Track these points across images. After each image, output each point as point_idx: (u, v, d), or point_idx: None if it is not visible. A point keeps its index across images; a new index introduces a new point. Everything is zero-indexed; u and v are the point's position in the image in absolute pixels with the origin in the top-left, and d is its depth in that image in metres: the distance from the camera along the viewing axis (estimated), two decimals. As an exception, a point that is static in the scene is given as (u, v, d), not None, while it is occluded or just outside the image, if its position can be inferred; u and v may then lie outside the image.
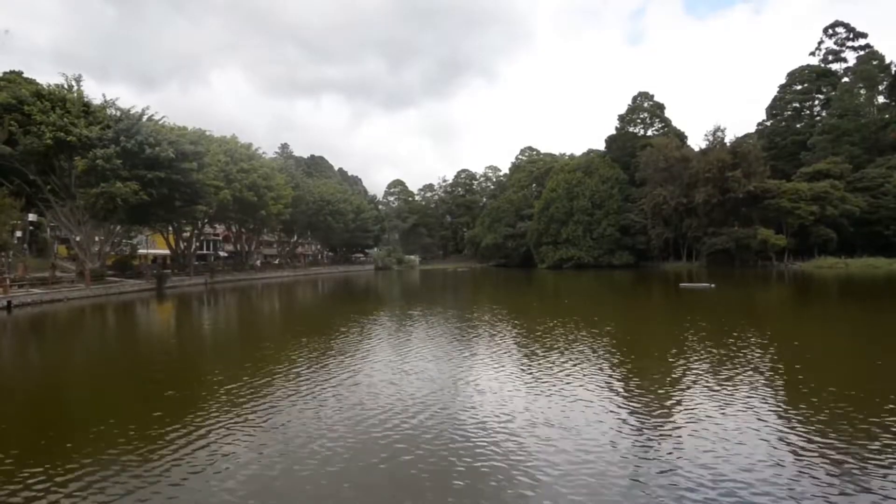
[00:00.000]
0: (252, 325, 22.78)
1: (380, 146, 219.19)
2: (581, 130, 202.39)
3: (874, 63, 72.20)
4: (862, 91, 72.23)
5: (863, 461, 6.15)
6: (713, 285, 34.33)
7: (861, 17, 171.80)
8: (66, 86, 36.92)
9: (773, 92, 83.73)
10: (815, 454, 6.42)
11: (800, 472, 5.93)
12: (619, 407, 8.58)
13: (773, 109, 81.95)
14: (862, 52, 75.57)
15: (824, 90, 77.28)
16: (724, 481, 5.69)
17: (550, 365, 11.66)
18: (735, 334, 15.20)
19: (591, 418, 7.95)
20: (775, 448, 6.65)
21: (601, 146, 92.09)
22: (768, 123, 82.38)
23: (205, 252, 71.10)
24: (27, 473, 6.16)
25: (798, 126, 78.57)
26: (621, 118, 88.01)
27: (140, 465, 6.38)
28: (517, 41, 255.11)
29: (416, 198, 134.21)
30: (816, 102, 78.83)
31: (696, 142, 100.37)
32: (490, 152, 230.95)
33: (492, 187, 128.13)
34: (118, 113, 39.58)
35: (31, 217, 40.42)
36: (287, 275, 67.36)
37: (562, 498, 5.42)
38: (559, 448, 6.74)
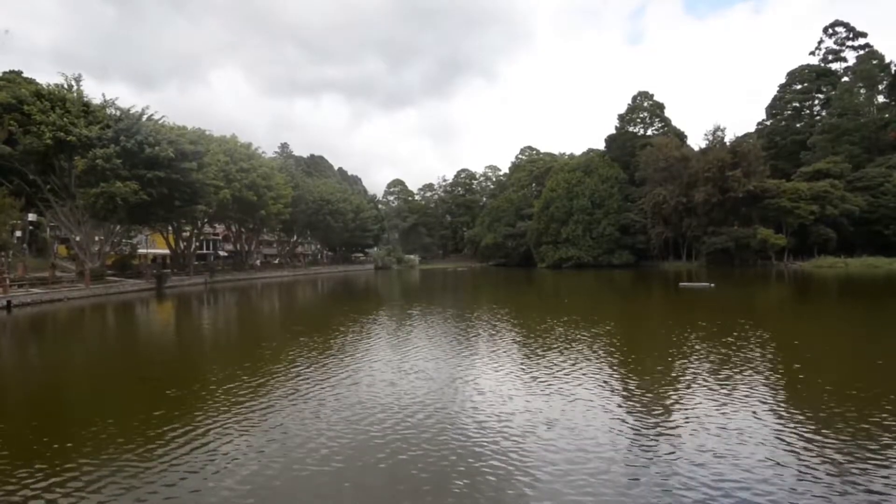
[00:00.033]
0: (251, 324, 22.78)
1: (380, 146, 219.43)
2: (581, 130, 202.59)
3: (874, 62, 72.23)
4: (862, 90, 72.26)
5: (863, 461, 6.15)
6: (713, 285, 34.34)
7: (861, 16, 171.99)
8: (65, 85, 36.92)
9: (772, 91, 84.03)
10: (816, 454, 6.42)
11: (800, 472, 5.93)
12: (619, 406, 8.58)
13: (773, 109, 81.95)
14: (862, 52, 75.59)
15: (824, 90, 77.29)
16: (724, 481, 5.69)
17: (550, 364, 11.66)
18: (734, 334, 15.20)
19: (591, 418, 7.95)
20: (775, 448, 6.65)
21: (601, 146, 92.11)
22: (768, 123, 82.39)
23: (204, 252, 71.14)
24: (26, 473, 6.15)
25: (798, 125, 78.58)
26: (621, 118, 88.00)
27: (139, 464, 6.38)
28: (517, 41, 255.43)
29: (416, 197, 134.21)
30: (816, 102, 78.87)
31: (696, 141, 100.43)
32: (490, 152, 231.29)
33: (492, 187, 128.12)
34: (118, 112, 39.59)
35: (31, 217, 40.40)
36: (287, 274, 67.35)
37: (561, 497, 5.42)
38: (559, 447, 6.74)
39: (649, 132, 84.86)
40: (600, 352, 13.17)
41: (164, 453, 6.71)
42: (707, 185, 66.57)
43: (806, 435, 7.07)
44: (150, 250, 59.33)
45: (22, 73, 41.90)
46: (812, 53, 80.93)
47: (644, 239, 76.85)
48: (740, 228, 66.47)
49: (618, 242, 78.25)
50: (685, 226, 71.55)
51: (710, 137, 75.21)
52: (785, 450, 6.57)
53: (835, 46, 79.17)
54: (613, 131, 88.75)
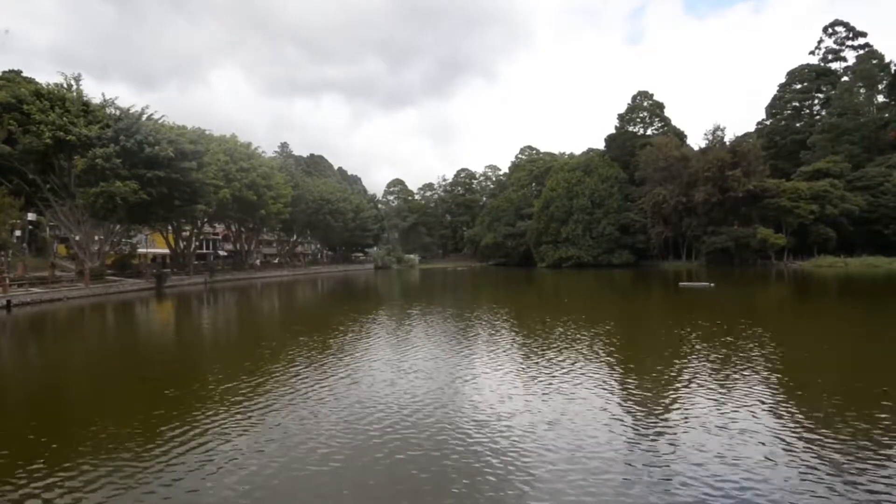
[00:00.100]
0: (251, 324, 22.77)
1: (380, 146, 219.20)
2: (581, 130, 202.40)
3: (874, 62, 72.23)
4: (861, 90, 72.27)
5: (863, 461, 6.14)
6: (712, 284, 34.35)
7: (861, 16, 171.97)
8: (65, 85, 36.90)
9: (772, 91, 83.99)
10: (816, 454, 6.42)
11: (800, 472, 5.92)
12: (619, 406, 8.58)
13: (773, 108, 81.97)
14: (861, 52, 75.59)
15: (824, 89, 77.30)
16: (724, 481, 5.69)
17: (550, 364, 11.66)
18: (734, 333, 15.20)
19: (591, 417, 7.95)
20: (775, 448, 6.64)
21: (601, 145, 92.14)
22: (768, 122, 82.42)
23: (204, 251, 71.12)
24: (25, 472, 6.14)
25: (798, 125, 78.61)
26: (621, 117, 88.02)
27: (137, 463, 6.37)
28: (517, 41, 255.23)
29: (416, 197, 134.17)
30: (816, 101, 78.88)
31: (696, 141, 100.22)
32: (490, 152, 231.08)
33: (491, 186, 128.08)
34: (117, 112, 39.59)
35: (31, 216, 40.37)
36: (286, 274, 67.34)
37: (561, 497, 5.41)
38: (558, 447, 6.73)
39: (649, 132, 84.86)
40: (600, 351, 13.17)
41: (163, 453, 6.70)
42: (707, 185, 66.59)
43: (806, 435, 7.07)
44: (149, 250, 59.32)
45: (21, 72, 41.90)
46: (812, 53, 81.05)
47: (644, 238, 76.87)
48: (740, 228, 66.49)
49: (618, 242, 78.26)
50: (685, 225, 71.57)
51: (710, 137, 75.28)
52: (785, 449, 6.57)
53: (835, 46, 79.21)
54: (613, 131, 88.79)
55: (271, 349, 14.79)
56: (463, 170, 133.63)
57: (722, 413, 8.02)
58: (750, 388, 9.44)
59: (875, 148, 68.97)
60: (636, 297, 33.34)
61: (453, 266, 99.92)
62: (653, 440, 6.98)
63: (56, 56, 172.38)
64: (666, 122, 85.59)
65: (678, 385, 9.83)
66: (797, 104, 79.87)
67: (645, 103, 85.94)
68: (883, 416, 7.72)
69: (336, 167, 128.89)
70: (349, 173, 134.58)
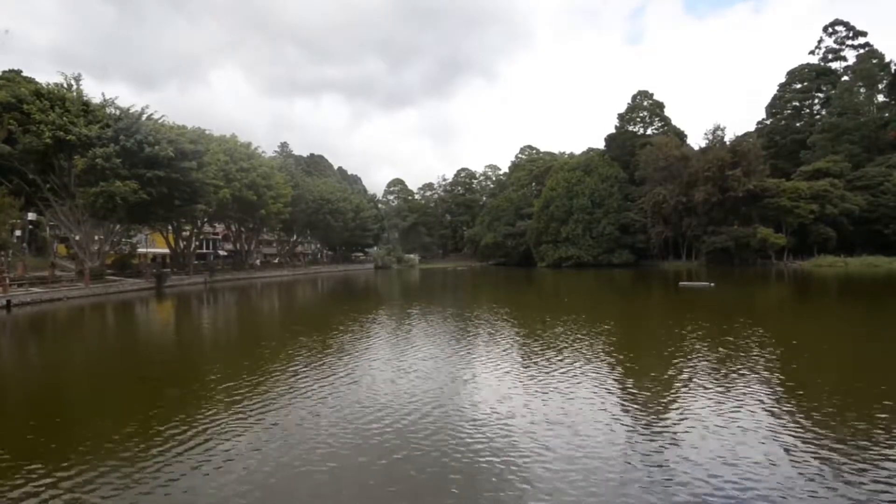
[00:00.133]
0: (251, 323, 22.78)
1: (380, 146, 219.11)
2: (581, 129, 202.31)
3: (874, 62, 72.20)
4: (861, 90, 72.25)
5: (863, 462, 6.14)
6: (713, 284, 34.34)
7: (861, 16, 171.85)
8: (65, 85, 36.89)
9: (772, 91, 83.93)
10: (816, 454, 6.41)
11: (800, 472, 5.92)
12: (619, 405, 8.58)
13: (773, 108, 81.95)
14: (862, 51, 75.56)
15: (824, 89, 77.29)
16: (723, 482, 5.68)
17: (549, 363, 11.66)
18: (734, 333, 15.20)
19: (590, 417, 7.95)
20: (775, 448, 6.64)
21: (601, 145, 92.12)
22: (768, 122, 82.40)
23: (204, 251, 71.13)
24: (24, 472, 6.15)
25: (798, 125, 78.60)
26: (621, 117, 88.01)
27: (137, 462, 6.37)
28: (517, 41, 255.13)
29: (416, 197, 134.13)
30: (816, 101, 78.87)
31: (696, 140, 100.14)
32: (490, 151, 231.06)
33: (491, 186, 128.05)
34: (117, 112, 39.57)
35: (31, 216, 40.36)
36: (286, 274, 67.35)
37: (560, 496, 5.41)
38: (558, 446, 6.73)
39: (649, 131, 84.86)
40: (600, 351, 13.17)
41: (163, 452, 6.70)
42: (707, 185, 66.58)
43: (806, 434, 7.06)
44: (149, 250, 59.33)
45: (21, 72, 41.92)
46: (812, 53, 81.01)
47: (644, 238, 76.86)
48: (740, 228, 66.48)
49: (618, 242, 78.25)
50: (685, 225, 71.57)
51: (710, 137, 75.26)
52: (785, 449, 6.56)
53: (835, 46, 79.19)
54: (613, 131, 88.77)
55: (271, 349, 14.80)
56: (463, 169, 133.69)
57: (722, 413, 8.02)
58: (750, 387, 9.44)
59: (875, 148, 68.96)
60: (636, 296, 33.34)
61: (453, 266, 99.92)
62: (652, 440, 6.98)
63: (56, 56, 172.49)
64: (666, 121, 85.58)
65: (678, 385, 9.83)
66: (797, 104, 79.86)
67: (645, 103, 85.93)
68: (883, 415, 7.72)
69: (336, 167, 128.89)
70: (349, 173, 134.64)
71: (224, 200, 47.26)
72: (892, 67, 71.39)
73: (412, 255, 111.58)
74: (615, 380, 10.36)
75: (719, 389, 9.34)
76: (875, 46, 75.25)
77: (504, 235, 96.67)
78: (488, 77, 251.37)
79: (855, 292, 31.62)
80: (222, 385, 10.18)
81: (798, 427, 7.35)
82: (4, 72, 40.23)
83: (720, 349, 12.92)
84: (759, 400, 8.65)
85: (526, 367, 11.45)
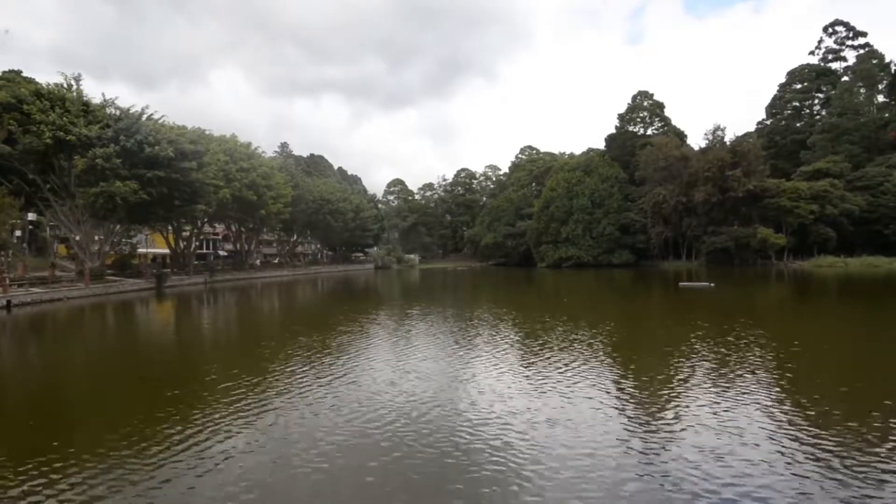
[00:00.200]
0: (251, 324, 22.78)
1: (380, 146, 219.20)
2: (581, 130, 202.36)
3: (874, 62, 72.21)
4: (861, 90, 72.26)
5: (864, 465, 6.13)
6: (713, 284, 34.35)
7: (861, 16, 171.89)
8: (65, 85, 36.91)
9: (772, 91, 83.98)
10: (815, 454, 6.41)
11: (799, 473, 5.92)
12: (618, 405, 8.58)
13: (773, 108, 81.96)
14: (862, 51, 75.58)
15: (824, 89, 77.30)
16: (723, 482, 5.69)
17: (549, 364, 11.66)
18: (735, 334, 15.20)
19: (590, 417, 7.95)
20: (774, 448, 6.64)
21: (601, 145, 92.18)
22: (768, 122, 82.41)
23: (204, 251, 71.16)
24: (24, 471, 6.16)
25: (798, 125, 78.61)
26: (621, 117, 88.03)
27: (136, 461, 6.38)
28: (517, 41, 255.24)
29: (416, 197, 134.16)
30: (816, 101, 78.88)
31: (696, 141, 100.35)
32: (490, 152, 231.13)
33: (491, 186, 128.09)
34: (118, 112, 39.59)
35: (31, 216, 40.35)
36: (286, 274, 67.36)
37: (560, 496, 5.42)
38: (557, 446, 6.74)
39: (649, 132, 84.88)
40: (600, 351, 13.17)
41: (162, 451, 6.71)
42: (707, 185, 66.59)
43: (805, 435, 7.07)
44: (149, 250, 59.34)
45: (21, 72, 41.92)
46: (812, 53, 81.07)
47: (644, 238, 76.87)
48: (740, 228, 66.49)
49: (618, 242, 78.26)
50: (685, 225, 71.58)
51: (710, 137, 75.28)
52: (784, 450, 6.57)
53: (835, 46, 79.21)
54: (613, 131, 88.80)
55: (270, 349, 14.80)
56: (463, 170, 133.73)
57: (721, 413, 8.02)
58: (749, 388, 9.45)
59: (875, 148, 68.96)
60: (636, 297, 33.34)
61: (453, 266, 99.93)
62: (652, 440, 6.98)
63: (56, 56, 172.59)
64: (666, 122, 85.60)
65: (677, 385, 9.83)
66: (797, 104, 79.87)
67: (645, 103, 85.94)
68: (882, 416, 7.73)
69: (336, 167, 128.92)
70: (349, 173, 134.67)
71: (224, 200, 47.29)
72: (892, 68, 71.41)
73: (412, 256, 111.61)
74: (615, 380, 10.37)
75: (718, 389, 9.35)
76: (875, 46, 75.40)
77: (504, 236, 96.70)
78: (488, 77, 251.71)
79: (855, 292, 31.62)
80: (221, 385, 10.19)
81: (796, 427, 7.36)
82: (4, 72, 40.24)
83: (719, 349, 12.92)
84: (757, 400, 8.66)
85: (525, 368, 11.46)
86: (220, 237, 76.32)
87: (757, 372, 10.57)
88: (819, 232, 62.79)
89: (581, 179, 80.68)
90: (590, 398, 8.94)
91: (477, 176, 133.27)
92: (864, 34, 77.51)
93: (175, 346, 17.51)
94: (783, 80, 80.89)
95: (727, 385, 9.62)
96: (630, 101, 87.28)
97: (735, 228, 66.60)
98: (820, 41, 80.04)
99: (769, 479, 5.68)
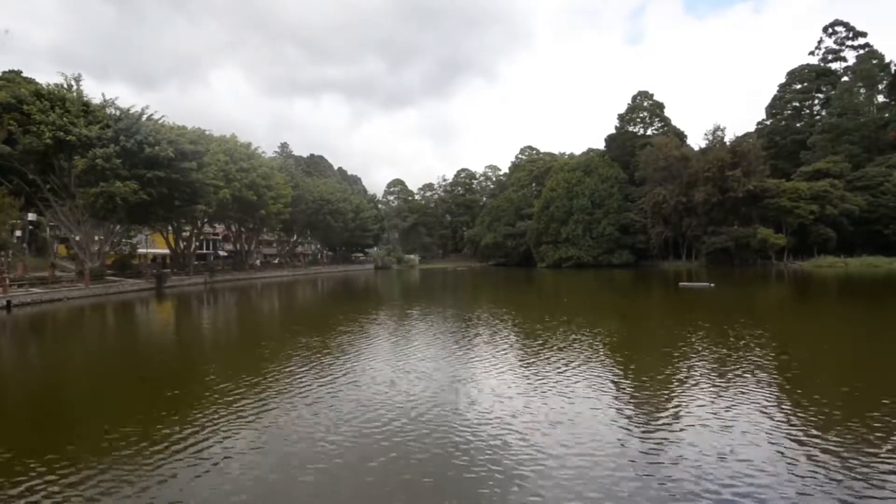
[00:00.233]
0: (251, 324, 22.78)
1: (380, 146, 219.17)
2: (581, 130, 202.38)
3: (874, 62, 72.22)
4: (861, 90, 72.26)
5: (865, 466, 6.13)
6: (713, 284, 34.35)
7: (861, 16, 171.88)
8: (65, 85, 36.90)
9: (772, 91, 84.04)
10: (815, 455, 6.41)
11: (800, 474, 5.92)
12: (618, 406, 8.58)
13: (773, 108, 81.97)
14: (861, 52, 75.58)
15: (824, 89, 77.31)
16: (722, 482, 5.69)
17: (551, 364, 11.66)
18: (735, 334, 15.21)
19: (590, 417, 7.96)
20: (774, 449, 6.64)
21: (601, 145, 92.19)
22: (768, 122, 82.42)
23: (204, 251, 71.15)
24: (24, 471, 6.16)
25: (798, 125, 78.62)
26: (621, 117, 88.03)
27: (135, 461, 6.38)
28: (517, 41, 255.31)
29: (416, 197, 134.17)
30: (816, 101, 78.89)
31: (696, 141, 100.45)
32: (490, 152, 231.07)
33: (491, 186, 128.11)
34: (118, 112, 39.58)
35: (31, 216, 40.37)
36: (286, 274, 67.36)
37: (560, 496, 5.42)
38: (557, 446, 6.74)
39: (649, 132, 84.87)
40: (600, 352, 13.17)
41: (161, 451, 6.71)
42: (707, 185, 66.59)
43: (805, 435, 7.07)
44: (149, 250, 59.32)
45: (21, 72, 41.88)
46: (812, 53, 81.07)
47: (644, 239, 76.87)
48: (740, 228, 66.49)
49: (618, 242, 78.26)
50: (685, 225, 71.58)
51: (710, 137, 75.30)
52: (785, 450, 6.57)
53: (835, 46, 79.22)
54: (613, 131, 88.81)
55: (270, 349, 14.80)
56: (463, 170, 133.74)
57: (721, 413, 8.02)
58: (749, 388, 9.45)
59: (875, 148, 68.96)
60: (636, 297, 33.34)
61: (453, 266, 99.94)
62: (652, 441, 6.98)
63: (56, 56, 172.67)
64: (666, 122, 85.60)
65: (677, 385, 9.83)
66: (797, 104, 79.89)
67: (645, 103, 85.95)
68: (882, 416, 7.73)
69: (336, 167, 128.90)
70: (349, 173, 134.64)
71: (224, 201, 47.28)
72: (892, 68, 71.41)
73: (412, 256, 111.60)
74: (615, 380, 10.37)
75: (718, 390, 9.35)
76: (875, 47, 75.41)
77: (504, 236, 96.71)
78: (488, 77, 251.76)
79: (855, 293, 31.62)
80: (221, 385, 10.19)
81: (796, 427, 7.36)
82: (4, 72, 40.22)
83: (719, 349, 12.93)
84: (757, 400, 8.66)
85: (525, 368, 11.46)
86: (220, 237, 76.32)
87: (757, 372, 10.56)
88: (819, 232, 62.79)
89: (581, 179, 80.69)
90: (589, 398, 8.94)
91: (477, 176, 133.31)
92: (864, 34, 77.57)
93: (175, 346, 17.51)
94: (783, 80, 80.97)
95: (727, 385, 9.62)
96: (630, 102, 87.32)
97: (735, 228, 66.61)
98: (820, 41, 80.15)
99: (769, 480, 5.68)
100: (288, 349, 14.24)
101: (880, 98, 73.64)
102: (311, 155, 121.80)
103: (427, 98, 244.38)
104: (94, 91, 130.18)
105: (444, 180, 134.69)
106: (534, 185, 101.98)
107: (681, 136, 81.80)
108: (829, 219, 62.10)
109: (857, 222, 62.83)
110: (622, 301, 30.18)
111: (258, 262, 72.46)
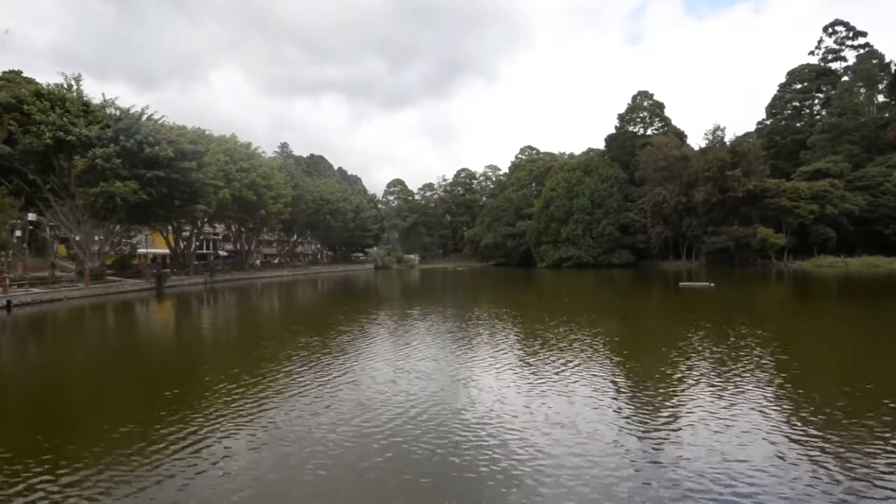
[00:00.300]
0: (251, 324, 22.78)
1: (380, 146, 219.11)
2: (581, 130, 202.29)
3: (874, 62, 72.20)
4: (861, 90, 72.25)
5: (865, 466, 6.13)
6: (713, 284, 34.34)
7: (861, 16, 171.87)
8: (65, 85, 36.90)
9: (772, 91, 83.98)
10: (815, 455, 6.41)
11: (798, 473, 5.92)
12: (618, 406, 8.58)
13: (773, 108, 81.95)
14: (862, 51, 75.55)
15: (824, 89, 77.29)
16: (722, 483, 5.68)
17: (550, 364, 11.66)
18: (735, 333, 15.20)
19: (590, 417, 7.95)
20: (773, 449, 6.64)
21: (601, 145, 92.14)
22: (768, 122, 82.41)
23: (204, 251, 71.14)
24: (23, 471, 6.16)
25: (798, 125, 78.60)
26: (621, 117, 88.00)
27: (135, 461, 6.38)
28: (517, 41, 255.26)
29: (416, 197, 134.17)
30: (816, 101, 78.87)
31: (696, 141, 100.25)
32: (490, 152, 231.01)
33: (491, 186, 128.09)
34: (118, 112, 39.58)
35: (31, 216, 40.34)
36: (286, 274, 67.36)
37: (560, 496, 5.41)
38: (557, 447, 6.74)
39: (649, 132, 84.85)
40: (600, 351, 13.17)
41: (161, 451, 6.71)
42: (707, 185, 66.57)
43: (803, 435, 7.07)
44: (149, 250, 59.32)
45: (22, 72, 41.89)
46: (812, 53, 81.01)
47: (644, 238, 76.85)
48: (740, 228, 66.47)
49: (618, 242, 78.24)
50: (685, 225, 71.56)
51: (710, 137, 75.23)
52: (785, 450, 6.57)
53: (835, 46, 79.19)
54: (613, 131, 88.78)
55: (270, 349, 14.80)
56: (463, 170, 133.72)
57: (720, 413, 8.02)
58: (748, 388, 9.44)
59: (875, 148, 68.95)
60: (636, 297, 33.34)
61: (453, 266, 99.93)
62: (652, 441, 6.98)
63: (56, 56, 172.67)
64: (666, 122, 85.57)
65: (677, 385, 9.83)
66: (797, 104, 79.87)
67: (645, 103, 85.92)
68: (882, 415, 7.72)
69: (336, 167, 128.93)
70: (349, 173, 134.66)
71: (224, 200, 47.28)
72: (892, 67, 71.40)
73: (412, 256, 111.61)
74: (615, 380, 10.36)
75: (718, 389, 9.35)
76: (875, 46, 75.36)
77: (504, 236, 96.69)
78: (488, 77, 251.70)
79: (855, 292, 31.61)
80: (221, 385, 10.18)
81: (795, 428, 7.36)
82: (4, 72, 40.22)
83: (719, 349, 12.93)
84: (757, 400, 8.65)
85: (525, 368, 11.45)
86: (220, 237, 76.31)
87: (757, 372, 10.56)
88: (819, 232, 62.78)
89: (581, 179, 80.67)
90: (589, 398, 8.94)
91: (477, 176, 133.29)
92: (864, 34, 77.54)
93: (175, 346, 17.51)
94: (783, 80, 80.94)
95: (727, 385, 9.61)
96: (630, 102, 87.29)
97: (735, 228, 66.60)
98: (820, 41, 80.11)
99: (769, 480, 5.67)
100: (288, 349, 14.24)
101: (880, 98, 73.64)
102: (311, 155, 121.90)
103: (427, 98, 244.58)
104: (94, 91, 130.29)
105: (444, 180, 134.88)
106: (534, 184, 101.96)
107: (681, 136, 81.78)
108: (829, 219, 62.09)
109: (857, 222, 62.82)
110: (622, 301, 30.18)
111: (258, 261, 72.47)
